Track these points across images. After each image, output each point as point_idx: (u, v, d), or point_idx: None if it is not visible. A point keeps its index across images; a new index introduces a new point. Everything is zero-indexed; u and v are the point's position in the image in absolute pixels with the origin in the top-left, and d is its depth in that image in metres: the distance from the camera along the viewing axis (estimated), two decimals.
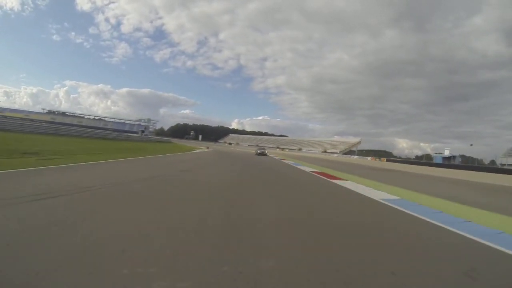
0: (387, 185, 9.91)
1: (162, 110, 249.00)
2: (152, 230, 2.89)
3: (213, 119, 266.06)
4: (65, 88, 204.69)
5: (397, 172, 20.86)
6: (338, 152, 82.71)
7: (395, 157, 79.20)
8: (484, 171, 33.37)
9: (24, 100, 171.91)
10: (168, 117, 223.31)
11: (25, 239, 2.38)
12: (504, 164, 47.74)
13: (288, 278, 2.06)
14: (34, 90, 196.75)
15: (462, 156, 63.05)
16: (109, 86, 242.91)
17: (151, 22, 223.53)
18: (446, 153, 64.60)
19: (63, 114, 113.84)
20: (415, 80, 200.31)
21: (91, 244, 2.37)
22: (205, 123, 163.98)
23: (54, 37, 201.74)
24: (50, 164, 7.12)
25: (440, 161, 56.51)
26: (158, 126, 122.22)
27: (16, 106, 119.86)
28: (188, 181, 7.10)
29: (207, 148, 41.59)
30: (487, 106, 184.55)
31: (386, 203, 5.85)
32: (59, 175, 5.99)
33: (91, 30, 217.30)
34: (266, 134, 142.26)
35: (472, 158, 61.93)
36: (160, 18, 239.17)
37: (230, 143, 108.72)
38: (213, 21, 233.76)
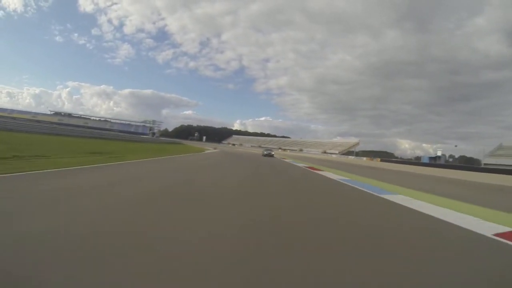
0: (351, 174, 14.20)
1: (164, 111, 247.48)
2: (228, 177, 7.16)
3: (215, 120, 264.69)
4: (67, 89, 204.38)
5: (376, 169, 25.07)
6: (337, 152, 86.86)
7: (396, 157, 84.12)
8: (461, 169, 37.46)
9: (27, 101, 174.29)
10: (170, 118, 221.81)
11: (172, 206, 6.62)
12: (488, 164, 50.22)
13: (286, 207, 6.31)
14: (37, 91, 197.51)
15: (452, 156, 67.60)
16: (111, 87, 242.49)
17: (154, 23, 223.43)
18: (439, 153, 69.31)
19: (69, 115, 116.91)
20: (417, 80, 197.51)
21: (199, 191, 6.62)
22: (207, 124, 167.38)
23: (57, 38, 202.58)
24: (127, 160, 11.26)
25: (426, 160, 61.08)
26: (162, 127, 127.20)
27: (20, 107, 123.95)
28: (227, 167, 11.42)
29: (214, 148, 46.43)
30: (489, 107, 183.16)
31: (338, 180, 10.14)
32: (154, 164, 10.28)
33: (94, 31, 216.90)
34: (268, 135, 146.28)
35: (466, 157, 66.93)
36: (162, 19, 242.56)
37: (233, 144, 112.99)
38: (216, 22, 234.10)
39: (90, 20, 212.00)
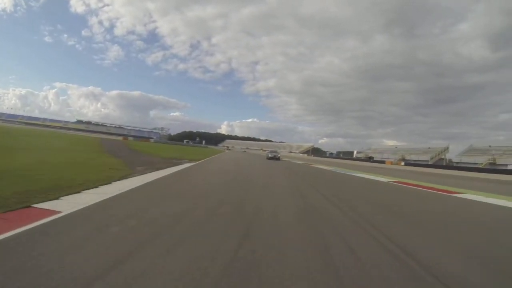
0: (296, 160, 38.43)
1: (152, 112, 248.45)
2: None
3: (203, 122, 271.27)
4: (54, 90, 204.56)
5: (307, 159, 49.00)
6: (298, 152, 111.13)
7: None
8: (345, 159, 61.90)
9: (13, 101, 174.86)
10: (158, 120, 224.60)
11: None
12: (458, 162, 53.67)
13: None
14: (23, 91, 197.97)
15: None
16: (99, 89, 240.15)
17: (145, 25, 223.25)
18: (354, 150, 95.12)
19: (89, 123, 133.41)
20: (403, 83, 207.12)
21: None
22: (195, 125, 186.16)
23: (46, 38, 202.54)
24: (205, 157, 34.83)
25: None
26: (166, 133, 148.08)
27: (5, 108, 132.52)
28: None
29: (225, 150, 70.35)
30: (473, 108, 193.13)
31: (290, 161, 34.29)
32: (241, 155, 34.06)
33: (84, 33, 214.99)
34: (254, 139, 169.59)
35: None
36: (154, 21, 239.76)
37: (227, 147, 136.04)
38: (207, 25, 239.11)
39: (81, 21, 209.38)
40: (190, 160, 18.40)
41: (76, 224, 3.13)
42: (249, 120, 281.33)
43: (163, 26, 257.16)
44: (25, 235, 2.66)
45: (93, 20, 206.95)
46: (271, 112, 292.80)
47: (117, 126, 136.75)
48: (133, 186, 5.97)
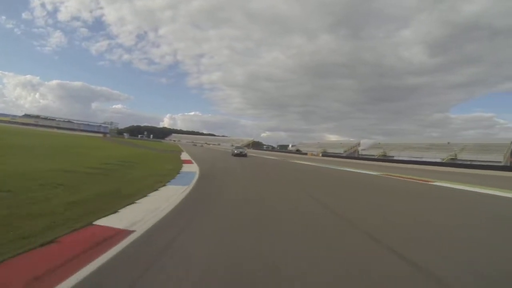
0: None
1: (94, 104, 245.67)
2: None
3: (146, 115, 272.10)
4: None
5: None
6: (240, 145, 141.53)
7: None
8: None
9: None
10: (99, 112, 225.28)
11: None
12: (363, 154, 70.34)
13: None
14: None
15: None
16: (38, 78, 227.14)
17: (91, 12, 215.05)
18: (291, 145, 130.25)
19: (37, 117, 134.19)
20: (347, 80, 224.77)
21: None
22: (138, 118, 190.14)
23: None
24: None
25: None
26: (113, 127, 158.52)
27: None
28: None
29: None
30: (411, 107, 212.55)
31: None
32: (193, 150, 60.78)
33: (25, 15, 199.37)
34: (198, 133, 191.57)
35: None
36: (100, 8, 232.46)
37: (174, 140, 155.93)
38: (155, 16, 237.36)
39: (21, 1, 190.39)
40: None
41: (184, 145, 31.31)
42: (192, 113, 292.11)
43: (110, 14, 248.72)
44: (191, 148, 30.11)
45: (35, 2, 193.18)
46: (214, 105, 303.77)
47: (66, 120, 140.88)
48: None
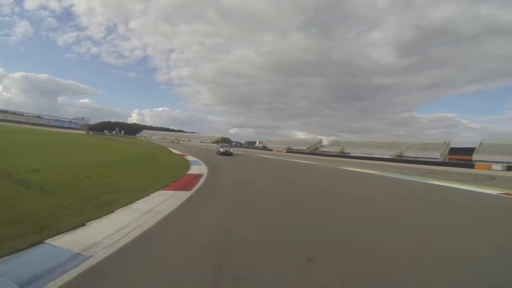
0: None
1: (60, 98, 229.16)
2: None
3: (114, 110, 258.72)
4: None
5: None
6: (209, 142, 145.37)
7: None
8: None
9: None
10: (66, 106, 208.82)
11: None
12: (323, 151, 75.89)
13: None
14: None
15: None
16: (1, 69, 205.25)
17: (59, 1, 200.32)
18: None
19: (5, 112, 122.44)
20: (316, 79, 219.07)
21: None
22: (106, 113, 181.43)
23: None
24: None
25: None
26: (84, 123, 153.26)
27: None
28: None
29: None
30: (378, 106, 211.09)
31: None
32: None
33: None
34: (168, 129, 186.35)
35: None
36: None
37: (145, 137, 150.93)
38: (126, 8, 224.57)
39: None
40: None
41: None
42: (160, 108, 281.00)
43: (80, 4, 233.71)
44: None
45: None
46: (183, 101, 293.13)
47: (35, 115, 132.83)
48: None
